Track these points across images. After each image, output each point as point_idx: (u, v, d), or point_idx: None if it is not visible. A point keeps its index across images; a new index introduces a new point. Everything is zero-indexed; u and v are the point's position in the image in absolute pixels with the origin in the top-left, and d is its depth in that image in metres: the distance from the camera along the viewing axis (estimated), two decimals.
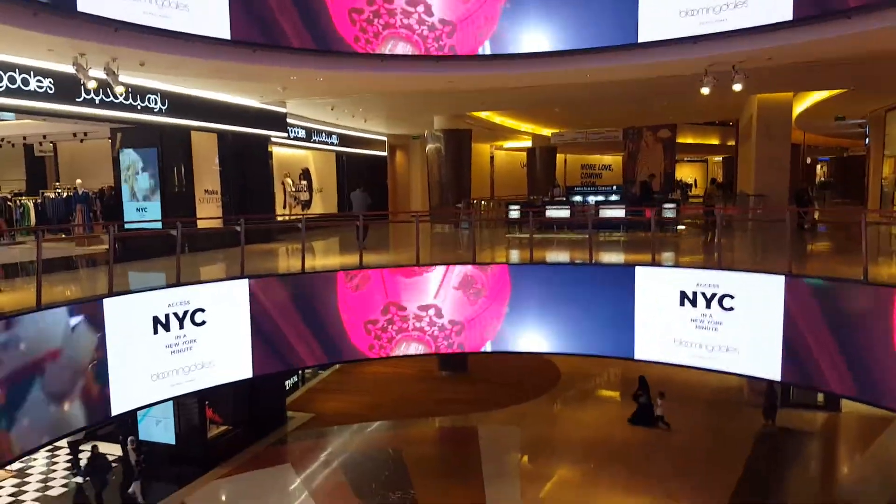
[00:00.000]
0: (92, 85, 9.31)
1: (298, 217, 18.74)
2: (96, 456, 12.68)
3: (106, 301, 8.32)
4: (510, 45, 10.95)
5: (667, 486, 12.71)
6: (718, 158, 41.09)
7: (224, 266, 12.62)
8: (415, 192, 28.36)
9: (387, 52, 10.82)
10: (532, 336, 11.37)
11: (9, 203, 15.00)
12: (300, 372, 19.21)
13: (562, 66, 11.18)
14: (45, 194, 15.53)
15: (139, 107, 12.06)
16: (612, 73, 11.84)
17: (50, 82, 10.18)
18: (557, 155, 32.46)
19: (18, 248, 11.70)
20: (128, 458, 13.34)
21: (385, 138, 25.87)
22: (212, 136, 14.52)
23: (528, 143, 30.94)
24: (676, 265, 11.46)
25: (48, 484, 13.53)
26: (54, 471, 14.10)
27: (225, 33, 9.53)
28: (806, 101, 19.76)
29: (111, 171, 13.64)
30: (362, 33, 10.62)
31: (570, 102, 19.21)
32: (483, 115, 22.59)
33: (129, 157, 13.26)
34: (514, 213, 16.85)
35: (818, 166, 42.55)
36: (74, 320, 7.95)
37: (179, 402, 13.45)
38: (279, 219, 18.61)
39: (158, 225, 12.78)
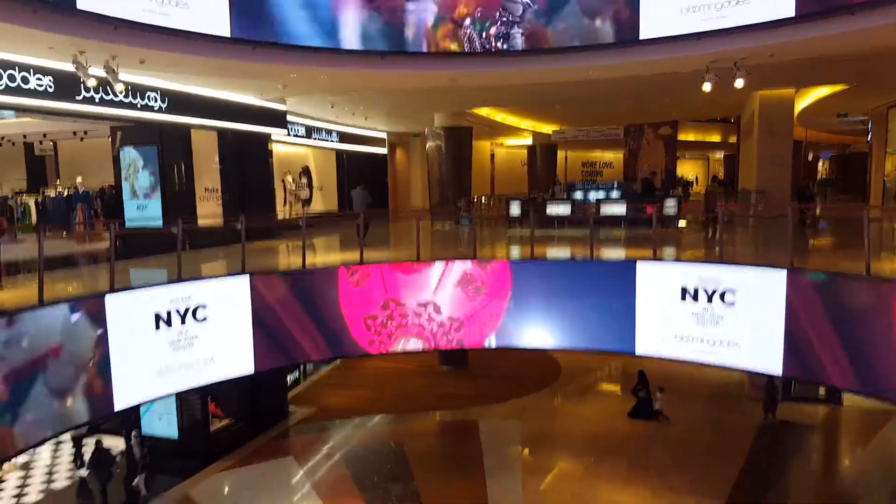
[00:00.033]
0: (92, 83, 9.33)
1: (299, 216, 18.76)
2: (101, 450, 12.71)
3: (108, 297, 8.35)
4: None
5: (667, 479, 12.71)
6: (720, 155, 41.05)
7: (225, 263, 12.64)
8: (415, 189, 28.37)
9: None
10: (533, 332, 11.36)
11: (10, 202, 15.03)
12: (302, 367, 19.24)
13: (563, 63, 11.19)
14: (46, 193, 15.56)
15: (139, 105, 12.07)
16: (613, 70, 11.83)
17: (50, 80, 10.19)
18: (558, 152, 32.46)
19: (20, 247, 11.71)
20: (132, 451, 13.39)
21: (385, 136, 25.87)
22: (212, 134, 14.53)
23: (528, 141, 30.93)
24: (678, 260, 11.46)
25: (52, 477, 13.60)
26: (58, 464, 14.17)
27: (225, 31, 9.54)
28: (808, 98, 19.72)
29: (111, 169, 13.67)
30: None
31: (571, 100, 19.19)
32: (484, 112, 22.57)
33: (129, 155, 13.27)
34: (515, 209, 16.85)
35: (820, 163, 42.52)
36: (77, 317, 7.97)
37: (182, 397, 13.49)
38: (279, 219, 18.64)
39: (159, 223, 12.80)
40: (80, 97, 10.69)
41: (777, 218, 14.35)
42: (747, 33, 9.59)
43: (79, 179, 15.33)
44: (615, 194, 18.43)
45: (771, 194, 17.52)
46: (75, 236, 14.23)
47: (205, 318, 9.50)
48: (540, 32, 10.93)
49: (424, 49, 11.12)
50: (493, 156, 33.58)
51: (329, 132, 21.56)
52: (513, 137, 31.22)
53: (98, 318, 8.20)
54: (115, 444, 13.76)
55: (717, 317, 9.68)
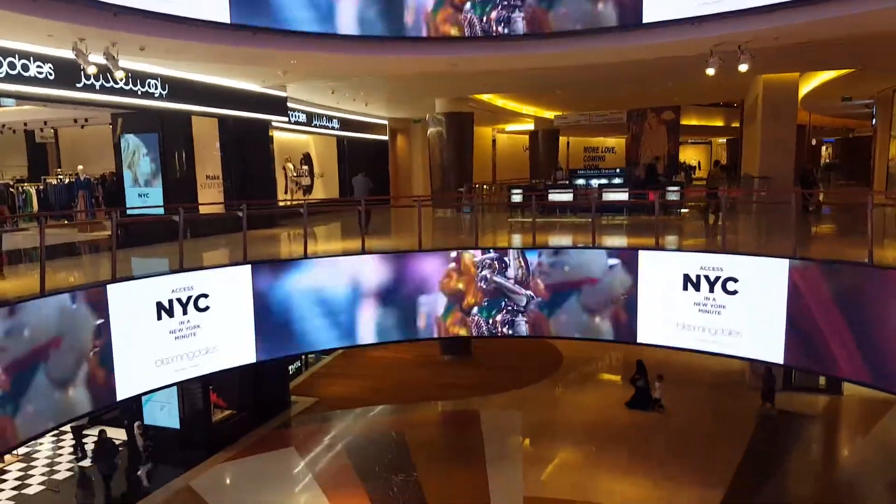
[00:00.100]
0: (92, 70, 9.25)
1: (300, 202, 18.71)
2: (103, 440, 12.79)
3: (110, 287, 8.34)
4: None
5: (668, 469, 12.78)
6: (722, 140, 40.82)
7: (227, 251, 12.63)
8: (416, 176, 28.24)
9: None
10: (534, 320, 11.36)
11: (11, 190, 14.99)
12: (303, 357, 19.30)
13: (565, 47, 11.07)
14: (47, 181, 15.52)
15: (139, 92, 11.99)
16: (616, 55, 11.71)
17: (50, 68, 10.12)
18: (560, 138, 32.28)
19: (21, 235, 11.70)
20: (134, 442, 13.46)
21: (386, 122, 25.73)
22: (213, 121, 14.45)
23: (530, 126, 30.75)
24: (680, 249, 11.42)
25: (54, 468, 13.69)
26: (60, 455, 14.25)
27: (225, 17, 9.45)
28: (812, 82, 19.54)
29: (112, 156, 13.62)
30: None
31: (572, 84, 19.03)
32: (485, 98, 22.42)
33: (130, 142, 13.22)
34: (517, 198, 16.78)
35: (823, 147, 42.28)
36: (78, 306, 7.97)
37: (184, 387, 13.54)
38: (281, 204, 18.59)
39: (160, 211, 12.77)
40: (81, 84, 10.62)
41: (780, 204, 14.27)
42: (752, 16, 9.45)
43: (80, 167, 15.26)
44: (617, 181, 18.35)
45: (774, 179, 17.43)
46: (77, 224, 14.20)
47: (207, 308, 9.51)
48: (541, 16, 10.79)
49: (424, 34, 10.99)
50: (494, 141, 33.41)
51: (330, 119, 21.44)
52: (514, 123, 31.04)
53: (100, 307, 8.20)
54: (116, 435, 13.86)
55: (719, 305, 9.66)
